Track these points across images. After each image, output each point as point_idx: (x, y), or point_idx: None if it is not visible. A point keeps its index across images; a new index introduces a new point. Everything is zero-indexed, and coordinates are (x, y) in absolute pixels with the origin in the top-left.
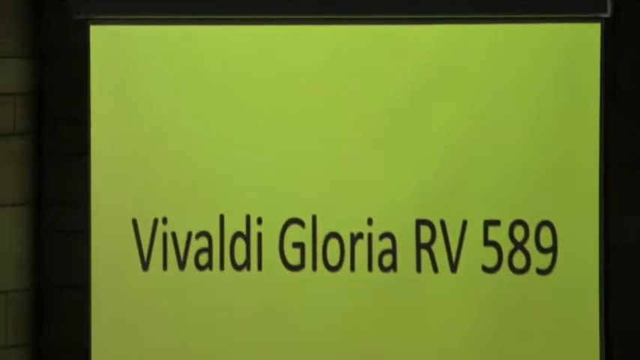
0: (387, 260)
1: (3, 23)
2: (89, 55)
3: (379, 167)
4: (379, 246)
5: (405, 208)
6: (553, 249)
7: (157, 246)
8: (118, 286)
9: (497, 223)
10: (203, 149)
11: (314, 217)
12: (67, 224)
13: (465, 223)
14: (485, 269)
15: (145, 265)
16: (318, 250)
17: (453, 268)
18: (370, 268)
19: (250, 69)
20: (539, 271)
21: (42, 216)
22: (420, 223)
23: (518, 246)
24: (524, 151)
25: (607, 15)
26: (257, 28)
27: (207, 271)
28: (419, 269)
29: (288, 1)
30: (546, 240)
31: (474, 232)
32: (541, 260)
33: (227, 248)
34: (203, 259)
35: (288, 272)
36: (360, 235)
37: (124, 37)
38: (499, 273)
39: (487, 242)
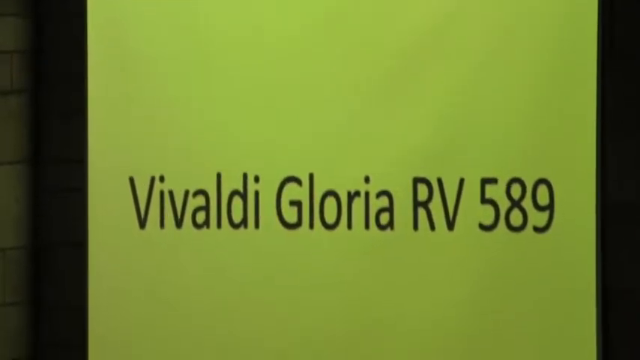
0: (384, 218)
1: None
2: (87, 13)
3: (376, 125)
4: (376, 204)
5: (402, 166)
6: (550, 207)
7: (154, 204)
8: (116, 244)
9: (494, 181)
10: (200, 107)
11: (311, 176)
12: (65, 182)
13: (462, 181)
14: (482, 227)
15: (142, 223)
16: (315, 208)
17: (450, 226)
18: (367, 226)
19: (248, 28)
20: (536, 229)
21: (40, 174)
22: (417, 181)
23: (515, 204)
24: (522, 110)
25: None
26: None
27: (205, 229)
28: (416, 227)
29: None
30: (543, 198)
31: (471, 190)
32: (538, 218)
33: (224, 206)
34: (200, 217)
35: (285, 230)
36: (357, 194)
37: None
38: (496, 231)
39: (484, 200)
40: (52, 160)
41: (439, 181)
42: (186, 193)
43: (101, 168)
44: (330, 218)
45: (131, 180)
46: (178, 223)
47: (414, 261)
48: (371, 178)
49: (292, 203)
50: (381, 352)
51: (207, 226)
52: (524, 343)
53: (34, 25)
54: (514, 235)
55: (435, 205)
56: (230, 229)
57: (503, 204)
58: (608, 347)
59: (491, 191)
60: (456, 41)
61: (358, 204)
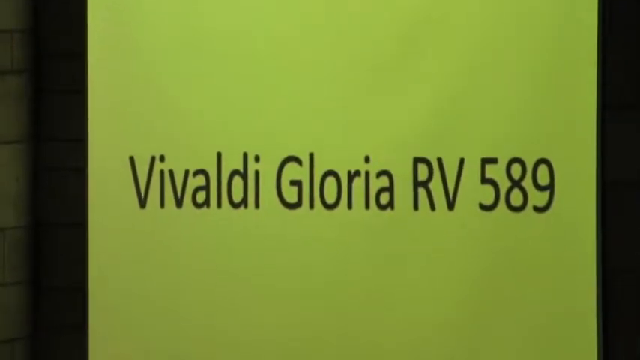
0: (384, 198)
1: None
2: None
3: (377, 106)
4: (376, 184)
5: (403, 146)
6: (550, 187)
7: (155, 184)
8: (116, 224)
9: (494, 161)
10: (201, 87)
11: (311, 156)
12: (65, 162)
13: (462, 161)
14: (482, 207)
15: (143, 203)
16: (316, 188)
17: (450, 206)
18: (367, 206)
19: (247, 8)
20: (536, 209)
21: (40, 153)
22: (417, 161)
23: (516, 184)
24: (522, 90)
25: None
26: None
27: (205, 209)
28: (416, 207)
29: None
30: (543, 178)
31: (472, 170)
32: (538, 198)
33: (224, 186)
34: (200, 197)
35: (285, 210)
36: (358, 174)
37: None
38: (496, 211)
39: (484, 180)
40: (52, 139)
41: (439, 161)
42: (187, 172)
43: (101, 147)
44: (331, 198)
45: (131, 159)
46: (178, 202)
47: (414, 241)
48: (371, 158)
49: (292, 183)
50: (381, 330)
51: (208, 206)
52: (524, 322)
53: (34, 3)
54: (514, 215)
55: (435, 185)
56: (230, 208)
57: (504, 184)
58: (607, 326)
59: (491, 171)
60: (456, 22)
61: (358, 184)
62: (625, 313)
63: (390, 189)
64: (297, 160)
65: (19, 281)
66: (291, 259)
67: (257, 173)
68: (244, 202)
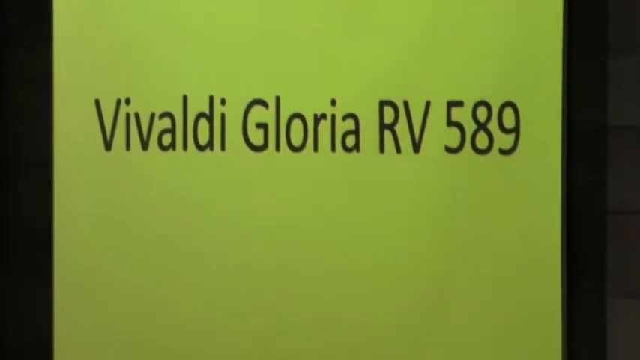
0: (350, 141)
1: None
2: None
3: (343, 49)
4: (342, 127)
5: (369, 88)
6: (516, 130)
7: (120, 126)
8: (81, 166)
9: (460, 104)
10: (166, 29)
11: (277, 98)
12: (30, 106)
13: (428, 103)
14: (448, 150)
15: (108, 145)
16: (282, 130)
17: (416, 148)
18: (333, 149)
19: None
20: (502, 152)
21: (4, 98)
22: (383, 104)
23: (481, 127)
24: (488, 32)
25: None
26: None
27: (171, 151)
28: (382, 150)
29: None
30: (509, 121)
31: (437, 113)
32: (503, 141)
33: (190, 129)
34: (166, 139)
35: (251, 153)
36: (324, 116)
37: None
38: (462, 154)
39: (450, 123)
40: (16, 82)
41: (405, 104)
42: (152, 115)
43: (66, 90)
44: (297, 141)
45: (97, 102)
46: (144, 145)
47: (380, 184)
48: (337, 101)
49: (258, 126)
50: (347, 272)
51: (174, 149)
52: (489, 262)
53: None
54: (480, 157)
55: (401, 128)
56: (196, 151)
57: (469, 127)
58: (572, 266)
59: (457, 114)
60: None
61: (324, 127)
62: (589, 253)
63: (356, 132)
64: (263, 103)
65: None
66: (257, 201)
67: (223, 116)
68: (210, 144)
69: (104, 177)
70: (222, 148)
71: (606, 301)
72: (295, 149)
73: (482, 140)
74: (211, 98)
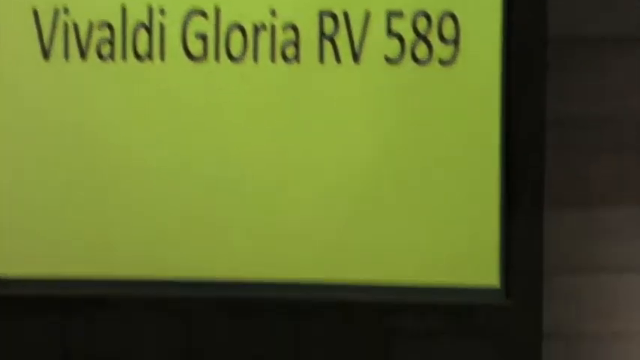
0: (290, 51)
1: None
2: None
3: None
4: (282, 37)
5: None
6: (455, 41)
7: (59, 36)
8: (19, 76)
9: (400, 14)
10: None
11: (217, 9)
12: None
13: (368, 14)
14: (387, 60)
15: (46, 54)
16: (221, 41)
17: (356, 58)
18: (273, 59)
19: None
20: (442, 62)
21: None
22: (323, 14)
23: (421, 37)
24: None
25: None
26: None
27: (110, 61)
28: (322, 60)
29: None
30: (449, 31)
31: (377, 24)
32: (443, 51)
33: (129, 39)
34: (105, 49)
35: (190, 63)
36: (264, 27)
37: None
38: (402, 64)
39: (390, 33)
40: None
41: (345, 14)
42: (91, 24)
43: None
44: (236, 51)
45: (34, 12)
46: (83, 54)
47: (320, 94)
48: (277, 11)
49: (198, 36)
50: (287, 184)
51: (113, 59)
52: (430, 173)
53: None
54: (420, 68)
55: (341, 38)
56: (135, 61)
57: (409, 37)
58: (509, 173)
59: (397, 24)
60: None
61: (264, 37)
62: (526, 165)
63: (295, 42)
64: (202, 13)
65: None
66: (197, 111)
67: (162, 26)
68: (149, 54)
69: (43, 87)
70: (162, 58)
71: (544, 204)
72: (235, 59)
73: (422, 51)
74: (150, 8)
